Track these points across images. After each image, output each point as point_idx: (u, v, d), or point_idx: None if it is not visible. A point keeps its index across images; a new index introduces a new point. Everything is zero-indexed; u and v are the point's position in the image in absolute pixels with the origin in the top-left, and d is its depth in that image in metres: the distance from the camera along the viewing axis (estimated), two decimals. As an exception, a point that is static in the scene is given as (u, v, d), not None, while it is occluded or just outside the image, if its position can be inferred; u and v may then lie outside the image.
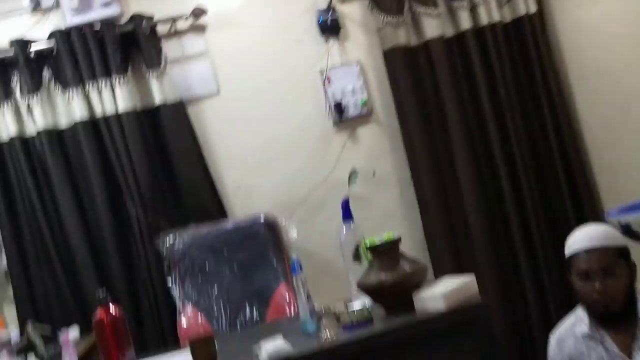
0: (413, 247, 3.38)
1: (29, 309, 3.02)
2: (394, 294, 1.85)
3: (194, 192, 3.18)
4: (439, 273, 3.28)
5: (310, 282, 3.08)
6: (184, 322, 2.95)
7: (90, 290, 3.03)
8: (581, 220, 3.15)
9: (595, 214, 3.24)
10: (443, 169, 3.35)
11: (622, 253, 1.86)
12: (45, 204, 3.07)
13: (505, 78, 3.34)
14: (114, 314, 1.67)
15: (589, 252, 1.85)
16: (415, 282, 1.87)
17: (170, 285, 3.02)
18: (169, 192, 3.19)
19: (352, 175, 3.33)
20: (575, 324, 1.97)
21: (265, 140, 3.32)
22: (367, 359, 1.78)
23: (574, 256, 1.89)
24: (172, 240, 3.03)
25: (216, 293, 3.04)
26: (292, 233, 3.14)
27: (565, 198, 3.34)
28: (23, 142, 3.07)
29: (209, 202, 3.20)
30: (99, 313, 1.67)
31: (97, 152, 3.09)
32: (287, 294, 2.93)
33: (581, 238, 1.89)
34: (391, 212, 3.42)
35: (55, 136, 3.09)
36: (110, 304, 1.68)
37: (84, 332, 2.71)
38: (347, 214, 2.12)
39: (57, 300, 3.07)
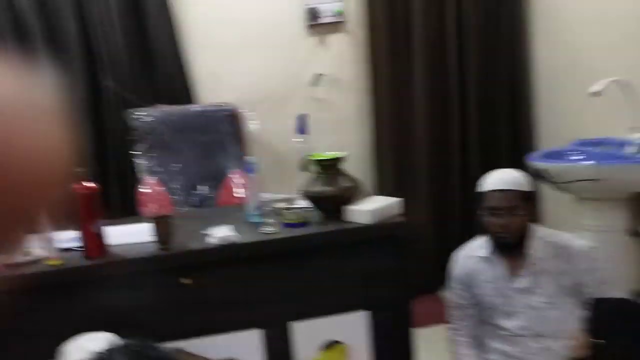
0: (361, 152, 3.71)
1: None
2: (330, 204, 2.17)
3: (167, 74, 3.38)
4: (380, 181, 3.65)
5: (265, 172, 3.42)
6: (144, 190, 3.25)
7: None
8: (516, 154, 3.51)
9: (529, 151, 3.59)
10: (401, 85, 3.61)
11: (526, 197, 2.18)
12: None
13: (475, 10, 3.54)
14: (89, 188, 1.93)
15: (500, 192, 2.17)
16: (350, 196, 2.18)
17: (136, 156, 3.29)
18: (144, 70, 3.37)
19: (316, 78, 3.56)
20: (477, 247, 2.34)
21: (241, 34, 3.49)
22: (300, 255, 2.12)
23: (486, 193, 2.21)
24: (142, 115, 3.27)
25: (176, 168, 3.33)
26: (253, 124, 3.41)
27: (504, 134, 3.66)
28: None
29: (179, 85, 3.41)
30: (77, 186, 1.91)
31: (78, 20, 3.22)
32: (239, 179, 3.23)
33: (496, 179, 2.20)
34: (347, 117, 3.70)
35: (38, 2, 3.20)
36: (86, 180, 1.93)
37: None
38: (301, 128, 2.38)
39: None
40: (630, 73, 2.71)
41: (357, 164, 3.70)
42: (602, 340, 1.47)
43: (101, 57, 3.26)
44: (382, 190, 3.53)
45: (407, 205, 3.60)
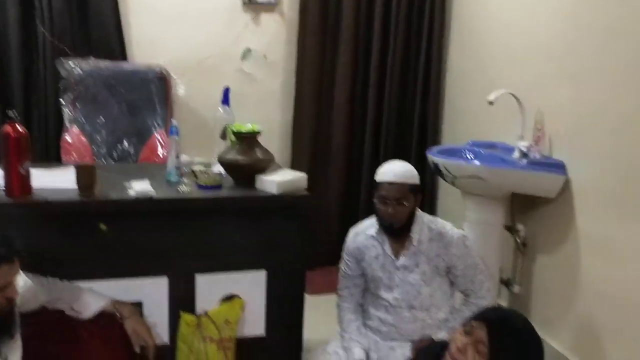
0: (281, 128, 3.95)
1: None
2: (243, 172, 2.40)
3: (104, 29, 3.48)
4: (297, 157, 3.90)
5: (188, 135, 3.61)
6: (68, 139, 3.37)
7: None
8: (423, 145, 3.84)
9: (434, 144, 3.93)
10: (325, 67, 3.86)
11: (414, 189, 2.47)
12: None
13: (404, 3, 3.82)
14: (20, 131, 2.06)
15: (390, 184, 2.43)
16: (262, 167, 2.42)
17: (62, 104, 3.39)
18: (79, 22, 3.46)
19: (245, 53, 3.76)
20: (368, 226, 2.62)
21: (179, 2, 3.64)
22: (210, 215, 2.34)
23: (379, 184, 2.49)
24: (73, 66, 3.37)
25: (102, 122, 3.46)
26: (180, 89, 3.58)
27: (416, 125, 3.98)
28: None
29: (114, 42, 3.52)
30: (8, 127, 2.05)
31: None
32: (162, 140, 3.41)
33: (388, 171, 2.47)
34: (271, 93, 3.93)
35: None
36: (17, 124, 2.08)
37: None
38: (225, 100, 2.58)
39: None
40: (524, 86, 3.05)
41: (277, 138, 3.95)
42: None
43: (40, 3, 3.32)
44: (298, 166, 3.77)
45: (319, 181, 3.90)
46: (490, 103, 2.92)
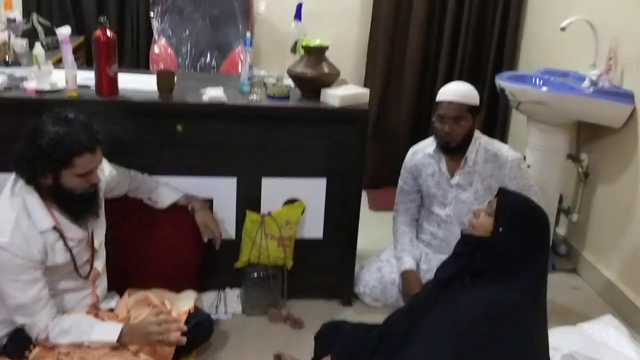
0: (357, 46, 4.03)
1: (33, 0, 3.61)
2: (310, 85, 2.55)
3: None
4: (369, 74, 3.99)
5: (266, 50, 3.77)
6: (156, 50, 3.62)
7: (86, 5, 3.63)
8: (497, 70, 3.83)
9: (509, 69, 3.91)
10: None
11: (472, 110, 2.54)
12: None
13: None
14: (109, 35, 2.28)
15: (449, 103, 2.52)
16: (327, 81, 2.55)
17: (152, 17, 3.62)
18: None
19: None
20: (427, 145, 2.73)
21: None
22: (277, 124, 2.51)
23: (438, 102, 2.57)
24: (162, -20, 3.58)
25: (187, 34, 3.68)
26: (261, 5, 3.72)
27: (492, 51, 3.96)
28: None
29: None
30: (99, 32, 2.27)
31: None
32: (242, 54, 3.59)
33: (448, 91, 2.55)
34: (350, 11, 4.00)
35: None
36: (107, 29, 2.29)
37: (73, 34, 3.34)
38: (298, 15, 2.70)
39: (57, 3, 3.65)
40: (600, 13, 2.99)
41: (353, 56, 4.05)
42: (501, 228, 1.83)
43: None
44: (371, 84, 3.86)
45: (391, 101, 3.99)
46: (563, 29, 2.89)
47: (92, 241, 2.09)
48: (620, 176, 2.88)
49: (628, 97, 2.77)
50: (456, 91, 2.54)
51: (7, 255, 1.84)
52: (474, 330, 1.75)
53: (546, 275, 1.92)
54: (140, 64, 3.80)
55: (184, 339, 2.00)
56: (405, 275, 2.65)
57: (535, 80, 3.13)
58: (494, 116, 4.07)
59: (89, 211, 2.06)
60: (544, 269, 1.92)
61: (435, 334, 1.80)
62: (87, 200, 2.01)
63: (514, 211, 1.88)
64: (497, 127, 4.07)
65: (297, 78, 2.56)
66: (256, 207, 2.60)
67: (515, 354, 1.76)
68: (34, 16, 3.31)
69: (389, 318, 2.09)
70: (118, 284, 2.27)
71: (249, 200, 2.59)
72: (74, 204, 1.97)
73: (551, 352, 2.23)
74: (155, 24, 3.61)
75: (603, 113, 2.82)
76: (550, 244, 1.95)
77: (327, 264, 2.72)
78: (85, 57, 3.54)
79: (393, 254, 2.80)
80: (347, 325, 2.18)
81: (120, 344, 1.95)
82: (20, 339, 1.98)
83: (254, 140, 2.52)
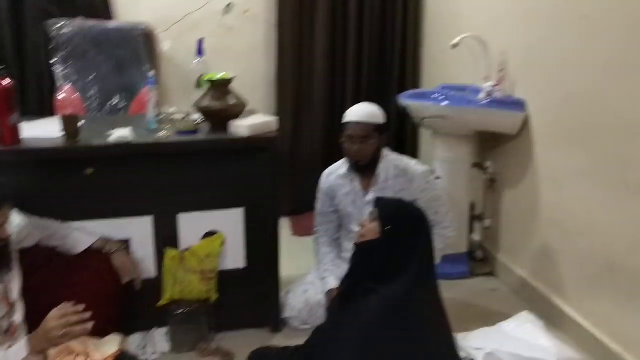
0: (265, 79, 4.11)
1: None
2: (217, 117, 2.59)
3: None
4: (280, 105, 4.08)
5: (174, 88, 3.78)
6: (61, 96, 3.56)
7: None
8: (402, 91, 3.98)
9: (413, 85, 4.08)
10: (304, 20, 3.98)
11: (379, 128, 2.65)
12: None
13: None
14: (7, 84, 2.26)
15: (356, 124, 2.62)
16: (235, 113, 2.60)
17: (54, 63, 3.57)
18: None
19: (227, 7, 3.90)
20: (340, 167, 2.82)
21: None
22: (189, 158, 2.52)
23: (346, 124, 2.66)
24: (61, 26, 3.54)
25: (92, 79, 3.64)
26: (165, 45, 3.74)
27: (395, 73, 4.13)
28: None
29: (98, 1, 3.67)
30: (-4, 82, 2.25)
31: None
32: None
33: (354, 112, 2.64)
34: (254, 46, 4.08)
35: None
36: (5, 78, 2.26)
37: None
38: (199, 51, 2.74)
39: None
40: (488, 28, 3.19)
41: (262, 89, 4.12)
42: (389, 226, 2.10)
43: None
44: (283, 114, 3.95)
45: (303, 129, 4.07)
46: (454, 46, 3.06)
47: (8, 296, 2.03)
48: (522, 179, 3.05)
49: (520, 105, 2.95)
50: (361, 112, 2.64)
51: None
52: (379, 324, 1.90)
53: (432, 264, 2.18)
54: (46, 111, 3.72)
55: (90, 326, 1.97)
56: (330, 295, 2.69)
57: (436, 96, 3.28)
58: (403, 134, 4.22)
59: (1, 264, 2.00)
60: (430, 258, 2.17)
61: (349, 340, 1.87)
62: None
63: (394, 209, 2.15)
64: (408, 143, 4.23)
65: (204, 112, 2.59)
66: (174, 244, 2.60)
67: (418, 339, 1.93)
68: None
69: (311, 336, 2.14)
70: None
71: (166, 237, 2.59)
72: None
73: (474, 352, 2.34)
74: (58, 70, 3.56)
75: (499, 122, 3.00)
76: (431, 234, 2.20)
77: (252, 293, 2.73)
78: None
79: (317, 276, 2.85)
80: (273, 351, 2.21)
81: (35, 353, 1.93)
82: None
83: (167, 177, 2.53)
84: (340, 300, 2.13)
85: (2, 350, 1.96)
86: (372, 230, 2.10)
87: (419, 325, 1.93)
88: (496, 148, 3.28)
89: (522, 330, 2.62)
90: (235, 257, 2.68)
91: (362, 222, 2.21)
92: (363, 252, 2.12)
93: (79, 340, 2.17)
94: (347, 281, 2.17)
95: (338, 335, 1.95)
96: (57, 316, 1.95)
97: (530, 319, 2.69)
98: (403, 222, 2.11)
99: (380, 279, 2.01)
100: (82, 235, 2.41)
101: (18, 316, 2.07)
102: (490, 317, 2.81)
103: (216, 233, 2.64)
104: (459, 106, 3.01)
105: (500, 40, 3.11)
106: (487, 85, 3.08)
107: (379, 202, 2.20)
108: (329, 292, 2.70)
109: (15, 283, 2.09)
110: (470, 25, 3.33)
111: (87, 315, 2.00)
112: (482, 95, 3.07)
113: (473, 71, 3.38)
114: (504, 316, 2.76)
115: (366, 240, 2.11)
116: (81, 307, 2.01)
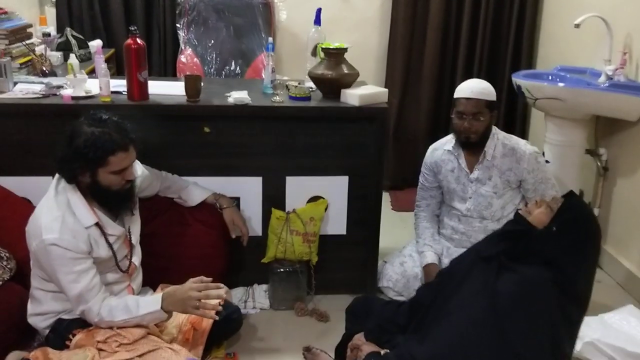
0: (377, 51, 4.13)
1: (66, 16, 3.78)
2: (330, 86, 2.65)
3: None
4: (389, 77, 4.09)
5: (288, 57, 3.89)
6: (182, 59, 3.76)
7: (116, 15, 3.79)
8: (514, 69, 3.89)
9: (527, 68, 3.97)
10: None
11: (490, 105, 2.61)
12: None
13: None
14: (139, 43, 2.42)
15: (467, 99, 2.60)
16: (347, 82, 2.65)
17: (178, 28, 3.77)
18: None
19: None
20: (446, 142, 2.81)
21: None
22: (300, 124, 2.61)
23: (457, 99, 2.64)
24: (187, -8, 3.72)
25: (211, 44, 3.81)
26: (282, 14, 3.84)
27: (509, 51, 4.03)
28: None
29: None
30: (130, 40, 2.40)
31: None
32: (265, 60, 3.70)
33: (466, 88, 2.62)
34: (368, 18, 4.11)
35: None
36: (137, 37, 2.42)
37: (104, 47, 3.50)
38: (317, 20, 2.80)
39: (88, 18, 3.83)
40: (613, 9, 3.04)
41: (373, 61, 4.15)
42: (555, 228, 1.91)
43: None
44: (391, 87, 3.95)
45: (411, 103, 4.08)
46: (577, 26, 2.95)
47: (130, 238, 2.20)
48: (638, 169, 2.92)
49: (643, 90, 2.82)
50: (473, 88, 2.62)
51: (59, 250, 1.96)
52: (512, 305, 1.81)
53: (588, 286, 1.96)
54: (168, 73, 3.94)
55: (218, 313, 2.06)
56: (428, 269, 2.71)
57: (552, 77, 3.19)
58: (513, 113, 4.13)
59: (126, 207, 2.17)
60: (587, 279, 1.95)
61: (471, 307, 1.85)
62: (124, 197, 2.13)
63: (573, 217, 1.92)
64: (517, 124, 4.13)
65: (317, 79, 2.66)
66: (281, 205, 2.70)
67: (546, 332, 1.81)
68: (68, 30, 3.47)
69: (419, 293, 2.15)
70: (151, 279, 2.37)
71: (274, 198, 2.70)
72: (112, 200, 2.09)
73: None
74: (181, 34, 3.75)
75: (619, 107, 2.87)
76: (599, 257, 2.03)
77: (350, 260, 2.81)
78: (115, 68, 3.70)
79: (415, 249, 2.87)
80: (378, 301, 2.26)
81: (165, 312, 2.04)
82: (61, 330, 2.10)
83: (278, 140, 2.63)
84: (470, 262, 2.01)
85: (136, 297, 2.13)
86: (541, 218, 1.95)
87: (547, 322, 1.82)
88: (612, 135, 3.14)
89: (626, 323, 2.54)
90: (337, 223, 2.76)
91: (541, 201, 2.03)
92: (517, 227, 1.98)
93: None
94: (488, 247, 2.00)
95: (455, 299, 1.91)
96: (198, 287, 2.07)
97: (635, 313, 2.60)
98: (574, 234, 1.89)
99: (519, 261, 1.89)
100: (196, 189, 2.55)
101: (136, 258, 2.24)
102: (592, 309, 2.70)
103: (321, 198, 2.72)
104: (578, 88, 2.91)
105: (625, 23, 2.97)
106: (609, 68, 2.95)
107: (568, 199, 1.98)
108: (427, 266, 2.72)
109: (136, 227, 2.26)
110: (594, 4, 3.19)
111: (223, 291, 2.13)
112: (602, 79, 2.95)
113: (592, 53, 3.25)
114: (608, 308, 2.69)
115: (529, 220, 1.97)
116: (221, 285, 2.16)
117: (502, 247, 1.96)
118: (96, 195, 2.06)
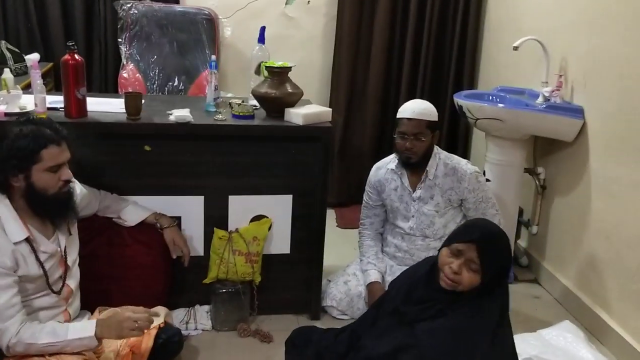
0: (322, 70, 4.15)
1: (1, 29, 3.66)
2: (274, 104, 2.63)
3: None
4: (334, 97, 4.11)
5: (232, 74, 3.85)
6: (124, 74, 3.68)
7: (54, 27, 3.69)
8: (457, 91, 3.96)
9: (469, 85, 4.07)
10: (364, 14, 4.00)
11: (431, 125, 2.65)
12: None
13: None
14: (77, 59, 2.35)
15: (409, 120, 2.63)
16: (290, 101, 2.64)
17: (120, 43, 3.69)
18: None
19: (290, -1, 3.96)
20: (389, 161, 2.83)
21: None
22: (243, 141, 2.58)
23: (399, 119, 2.67)
24: (129, 7, 3.65)
25: (154, 60, 3.75)
26: (227, 30, 3.82)
27: (451, 74, 4.10)
28: None
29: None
30: (67, 56, 2.33)
31: None
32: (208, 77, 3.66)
33: (408, 108, 2.65)
34: (313, 37, 4.12)
35: None
36: (75, 53, 2.36)
37: (42, 61, 3.39)
38: (261, 39, 2.79)
39: (25, 31, 3.71)
40: (550, 33, 3.14)
41: (317, 80, 4.16)
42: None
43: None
44: (335, 107, 3.98)
45: (355, 123, 4.10)
46: (515, 49, 3.03)
47: (65, 258, 2.12)
48: (575, 188, 3.01)
49: (578, 112, 2.91)
50: (415, 108, 2.65)
51: None
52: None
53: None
54: (109, 88, 3.86)
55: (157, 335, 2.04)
56: (371, 288, 2.72)
57: (492, 98, 3.26)
58: (455, 133, 4.21)
59: (65, 215, 2.08)
60: (506, 290, 1.98)
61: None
62: (62, 202, 2.04)
63: (497, 260, 1.90)
64: (459, 143, 4.21)
65: (261, 98, 2.64)
66: (224, 224, 2.66)
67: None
68: (2, 43, 3.36)
69: (358, 321, 2.16)
70: (89, 302, 2.29)
71: (216, 217, 2.65)
72: (49, 207, 2.00)
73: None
74: (123, 49, 3.67)
75: (556, 128, 2.96)
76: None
77: (294, 279, 2.78)
78: (53, 83, 3.59)
79: (359, 268, 2.88)
80: (317, 331, 2.24)
81: (97, 338, 1.95)
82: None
83: (220, 159, 2.59)
84: (402, 303, 1.99)
85: (65, 323, 2.04)
86: (471, 281, 1.87)
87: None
88: (550, 154, 3.24)
89: (563, 339, 2.60)
90: (281, 243, 2.73)
91: (457, 268, 1.87)
92: (446, 295, 1.91)
93: (126, 309, 2.24)
94: (420, 294, 1.97)
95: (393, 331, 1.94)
96: (133, 311, 2.01)
97: (571, 329, 2.67)
98: (499, 268, 1.91)
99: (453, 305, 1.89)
100: (136, 209, 2.49)
101: (72, 281, 2.16)
102: (531, 324, 2.80)
103: (265, 217, 2.69)
104: (516, 109, 2.99)
105: (561, 46, 3.07)
106: (546, 90, 3.04)
107: (484, 251, 1.85)
108: (370, 284, 2.73)
109: (73, 248, 2.18)
110: (532, 28, 3.29)
111: (160, 319, 2.10)
112: (539, 100, 3.03)
113: (531, 75, 3.34)
114: (545, 324, 2.75)
115: (458, 290, 1.89)
116: (154, 312, 2.11)
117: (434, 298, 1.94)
118: (32, 201, 1.97)
